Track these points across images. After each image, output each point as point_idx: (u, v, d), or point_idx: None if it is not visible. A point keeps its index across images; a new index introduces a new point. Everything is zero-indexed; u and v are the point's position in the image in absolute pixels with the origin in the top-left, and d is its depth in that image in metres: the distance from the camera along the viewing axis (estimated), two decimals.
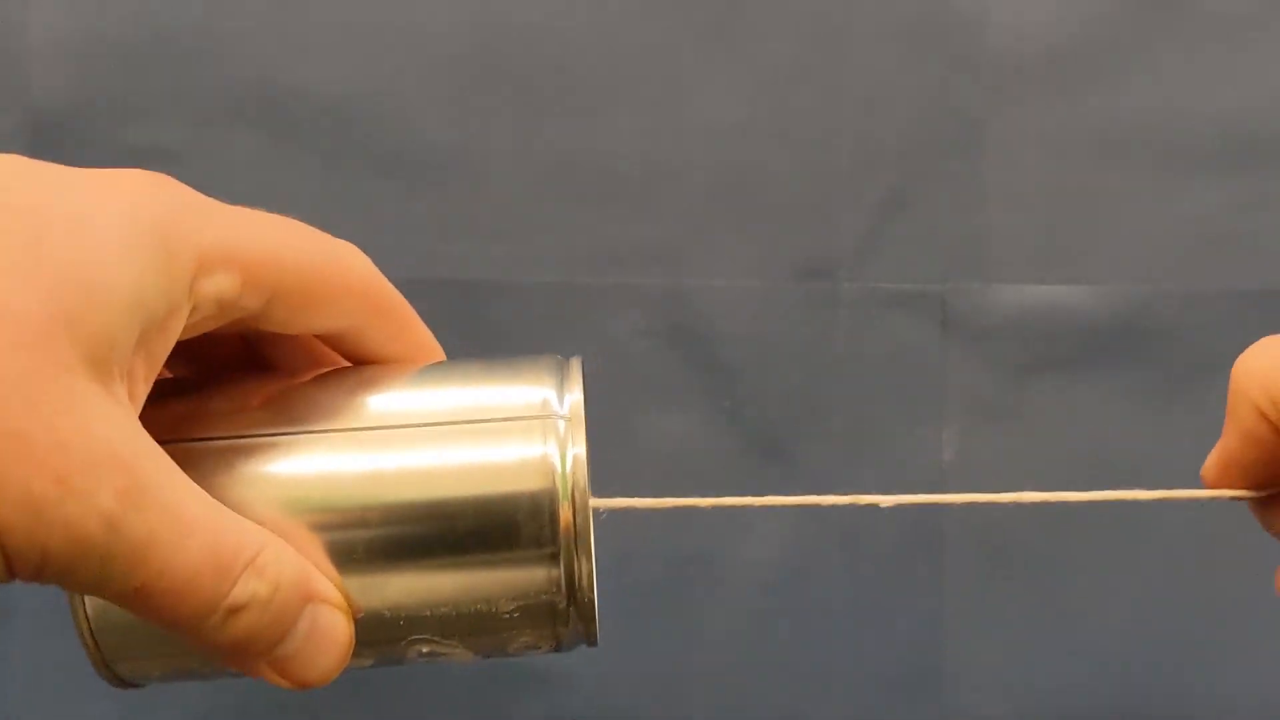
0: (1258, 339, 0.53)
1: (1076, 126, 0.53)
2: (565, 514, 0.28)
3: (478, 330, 0.53)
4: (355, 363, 0.31)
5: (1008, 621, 0.53)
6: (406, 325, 0.31)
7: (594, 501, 0.30)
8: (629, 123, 0.53)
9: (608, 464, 0.53)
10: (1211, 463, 0.32)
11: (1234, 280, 0.53)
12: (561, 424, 0.28)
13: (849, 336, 0.53)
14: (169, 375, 0.31)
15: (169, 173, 0.55)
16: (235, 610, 0.25)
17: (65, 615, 0.28)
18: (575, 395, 0.29)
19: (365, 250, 0.54)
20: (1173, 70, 0.53)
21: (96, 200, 0.25)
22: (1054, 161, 0.53)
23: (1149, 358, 0.53)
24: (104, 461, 0.23)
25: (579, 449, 0.28)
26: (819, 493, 0.53)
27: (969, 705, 0.52)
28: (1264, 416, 0.29)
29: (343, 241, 0.30)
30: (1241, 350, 0.53)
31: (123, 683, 0.29)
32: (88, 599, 0.27)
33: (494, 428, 0.28)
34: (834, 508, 0.53)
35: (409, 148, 0.53)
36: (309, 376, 0.30)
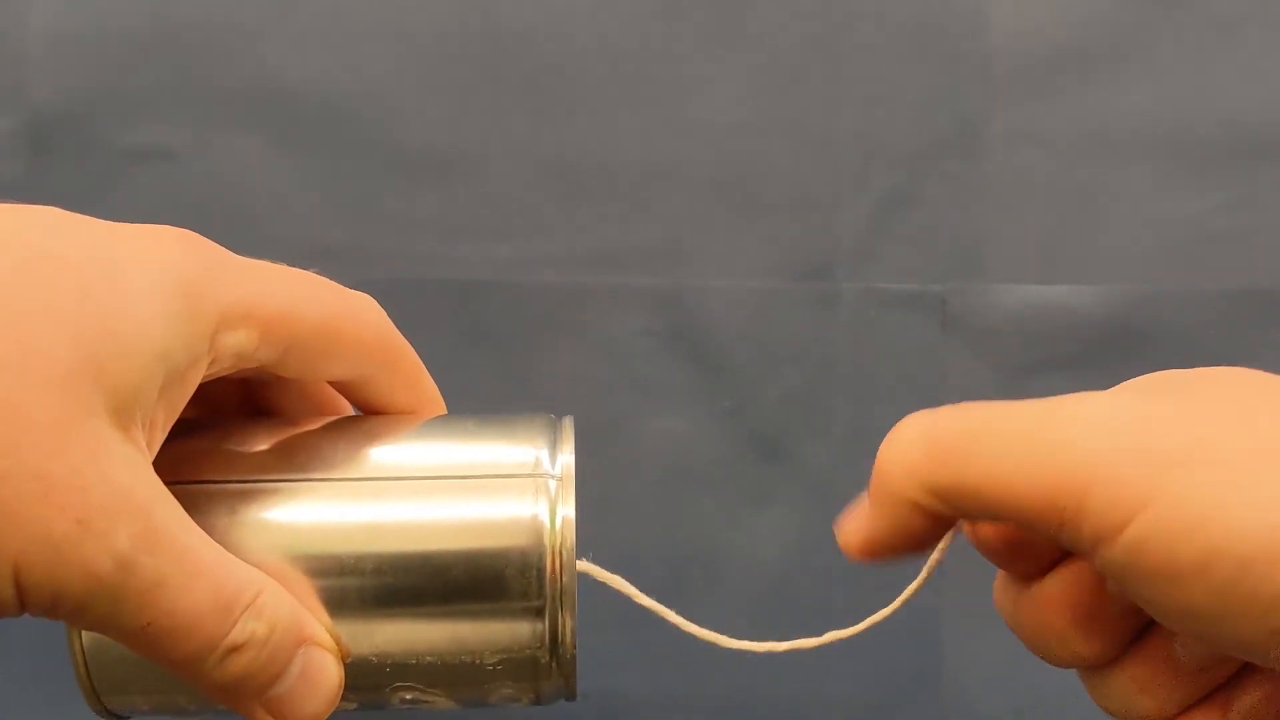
0: (1256, 339, 0.53)
1: (1076, 126, 0.53)
2: (552, 571, 0.29)
3: (478, 330, 0.53)
4: (362, 409, 0.33)
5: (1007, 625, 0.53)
6: (413, 377, 0.33)
7: (582, 565, 0.31)
8: (629, 123, 0.53)
9: (608, 464, 0.53)
10: (854, 539, 0.31)
11: (1234, 280, 0.53)
12: (552, 484, 0.29)
13: (849, 336, 0.53)
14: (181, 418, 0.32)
15: (169, 172, 0.55)
16: (234, 649, 0.26)
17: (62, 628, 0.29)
18: (566, 456, 0.30)
19: (365, 250, 0.55)
20: (1172, 70, 0.53)
21: (129, 255, 0.26)
22: (1054, 161, 0.53)
23: (1149, 358, 0.53)
24: (121, 505, 0.24)
25: (568, 509, 0.29)
26: (819, 493, 0.53)
27: (969, 705, 0.53)
28: (919, 509, 0.28)
29: (358, 294, 0.31)
30: (1242, 350, 0.53)
31: (110, 715, 0.30)
32: (84, 636, 0.28)
33: (487, 484, 0.29)
34: (833, 507, 0.53)
35: (409, 148, 0.53)
36: (314, 425, 0.31)
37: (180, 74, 0.53)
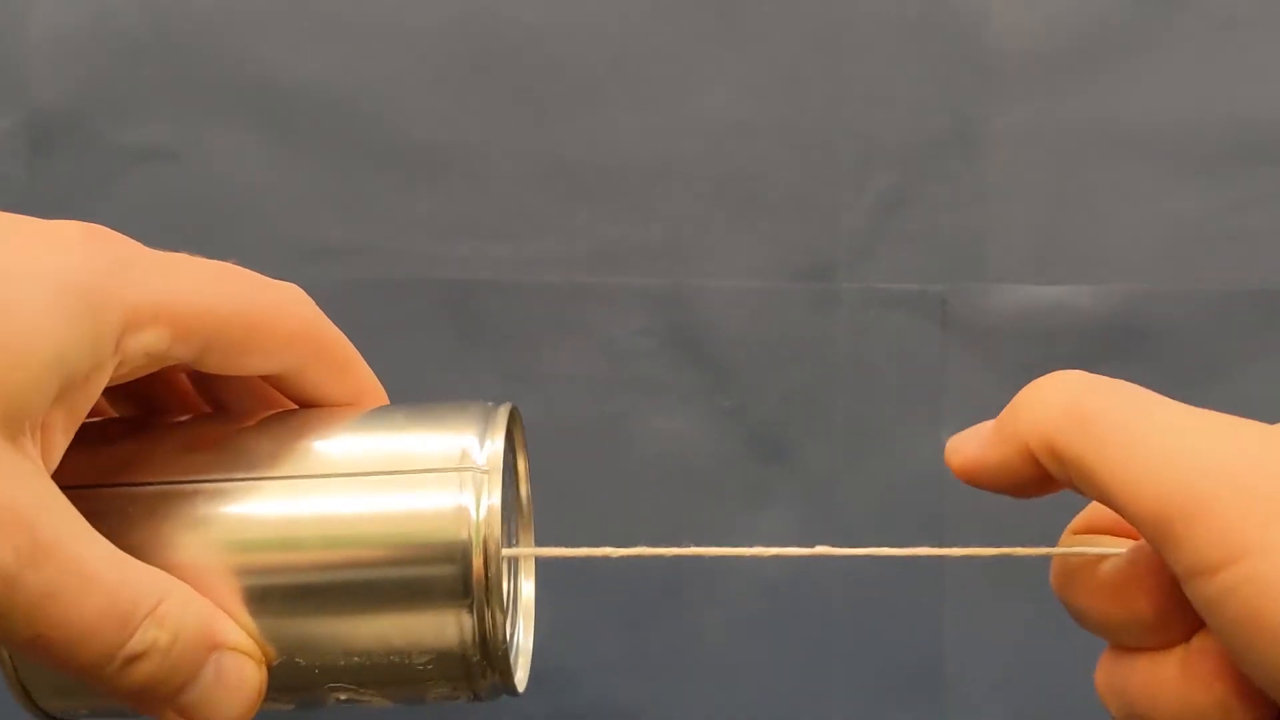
0: (1257, 339, 0.53)
1: (1076, 126, 0.53)
2: (478, 566, 0.28)
3: (478, 330, 0.53)
4: (297, 402, 0.32)
5: (1008, 622, 0.53)
6: (347, 367, 0.32)
7: (509, 551, 0.30)
8: (629, 122, 0.53)
9: (609, 464, 0.53)
10: (961, 456, 0.29)
11: (1234, 280, 0.53)
12: (478, 476, 0.28)
13: (849, 336, 0.53)
14: (113, 415, 0.31)
15: (169, 172, 0.55)
16: (133, 658, 0.25)
17: None
18: (495, 444, 0.29)
19: (364, 249, 0.55)
20: (1173, 70, 0.53)
21: (23, 254, 0.25)
22: (1054, 161, 0.53)
23: (1149, 358, 0.53)
24: (4, 519, 0.23)
25: (494, 500, 0.28)
26: (820, 492, 0.53)
27: (969, 705, 0.52)
28: (1034, 461, 0.27)
29: (283, 284, 0.30)
30: (1242, 350, 0.53)
31: (48, 717, 0.30)
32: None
33: (411, 479, 0.28)
34: (834, 507, 0.53)
35: (409, 147, 0.53)
36: (245, 422, 0.30)
37: (180, 74, 0.53)
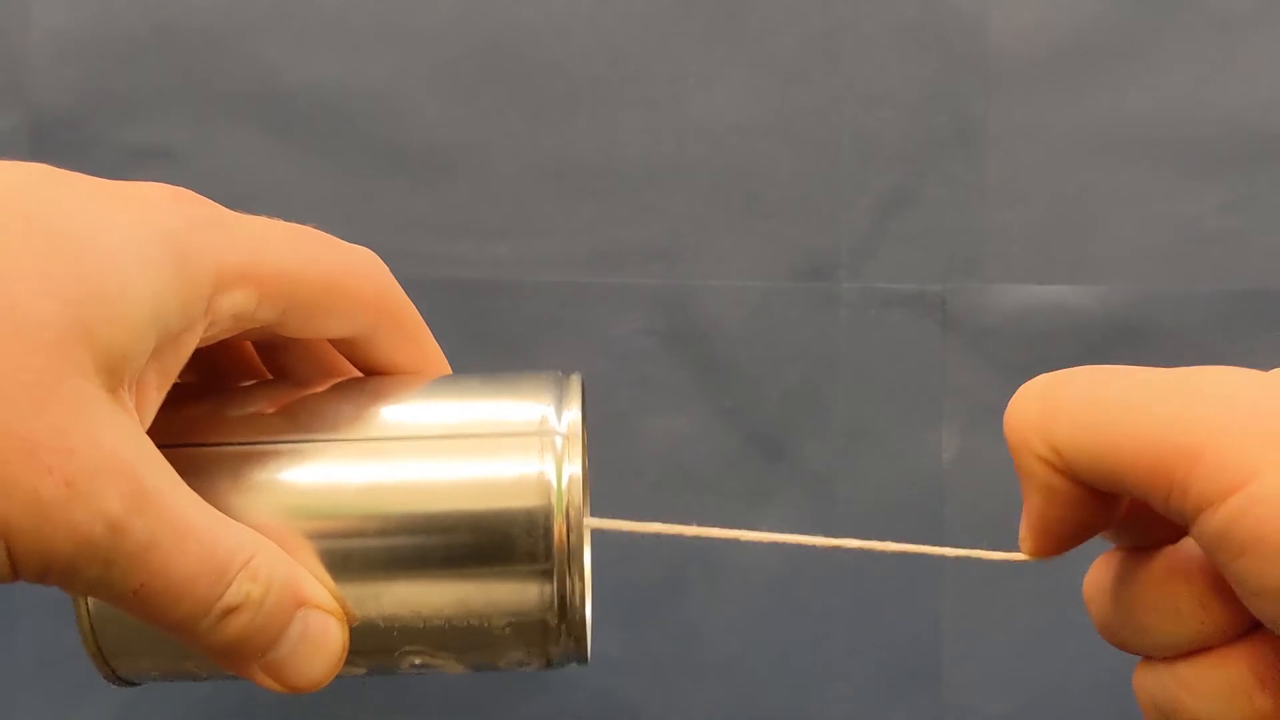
0: (1256, 339, 0.53)
1: (1076, 126, 0.53)
2: (560, 531, 0.28)
3: (478, 330, 0.53)
4: (364, 369, 0.32)
5: (1008, 621, 0.53)
6: (416, 335, 0.32)
7: (589, 521, 0.30)
8: (630, 122, 0.53)
9: (608, 464, 0.53)
10: (1026, 531, 0.29)
11: (1234, 280, 0.53)
12: (559, 441, 0.29)
13: (849, 336, 0.53)
14: (182, 381, 0.31)
15: (170, 171, 0.56)
16: (229, 611, 0.26)
17: (71, 615, 0.29)
18: (573, 413, 0.29)
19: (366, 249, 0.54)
20: (1173, 70, 0.53)
21: (118, 214, 0.25)
22: (1054, 161, 0.53)
23: (1149, 358, 0.53)
24: (109, 467, 0.24)
25: (575, 467, 0.29)
26: (820, 492, 0.53)
27: (969, 705, 0.53)
28: (1053, 467, 0.27)
29: (359, 249, 0.31)
30: (1242, 350, 0.53)
31: (121, 680, 0.29)
32: (90, 600, 0.28)
33: (492, 444, 0.28)
34: (834, 507, 0.53)
35: (410, 147, 0.53)
36: (318, 387, 0.30)
37: (180, 74, 0.53)
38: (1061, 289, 0.53)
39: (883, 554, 0.53)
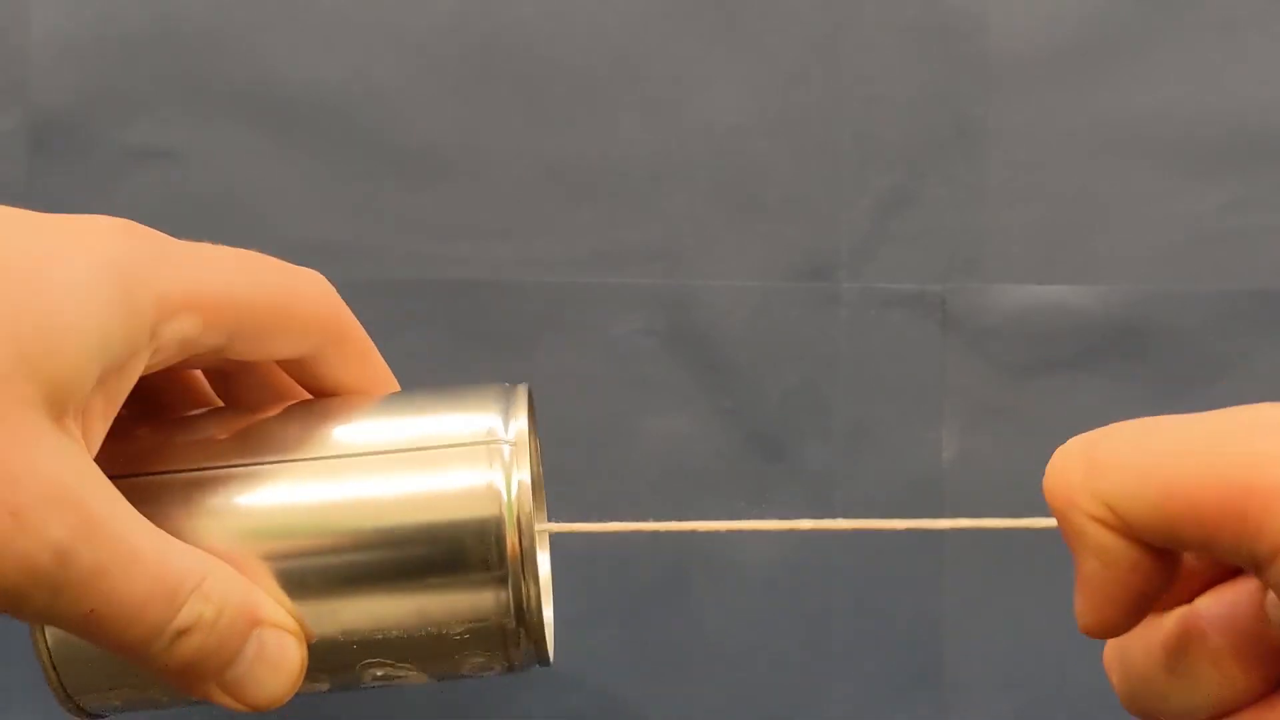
0: (1256, 339, 0.53)
1: (1077, 126, 0.53)
2: (511, 538, 0.29)
3: (478, 330, 0.53)
4: (313, 390, 0.32)
5: (1008, 621, 0.53)
6: (364, 354, 0.32)
7: (543, 525, 0.31)
8: (629, 122, 0.53)
9: (608, 464, 0.53)
10: (1085, 606, 0.26)
11: (1234, 280, 0.53)
12: (506, 450, 0.29)
13: (849, 336, 0.53)
14: (130, 410, 0.32)
15: (169, 172, 0.55)
16: (182, 633, 0.26)
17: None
18: (520, 421, 0.30)
19: (364, 249, 0.55)
20: (1173, 70, 0.53)
21: (63, 248, 0.26)
22: (1054, 161, 0.53)
23: (1149, 358, 0.53)
24: (55, 496, 0.24)
25: (524, 474, 0.29)
26: (819, 493, 0.53)
27: (969, 704, 0.53)
28: (1107, 526, 0.25)
29: (305, 271, 0.31)
30: (1242, 350, 0.53)
31: (85, 714, 0.30)
32: (49, 632, 0.28)
33: (440, 455, 0.29)
34: (833, 507, 0.53)
35: (409, 147, 0.53)
36: (267, 411, 0.31)
37: (180, 74, 0.53)
38: (1061, 289, 0.53)
39: (883, 554, 0.53)
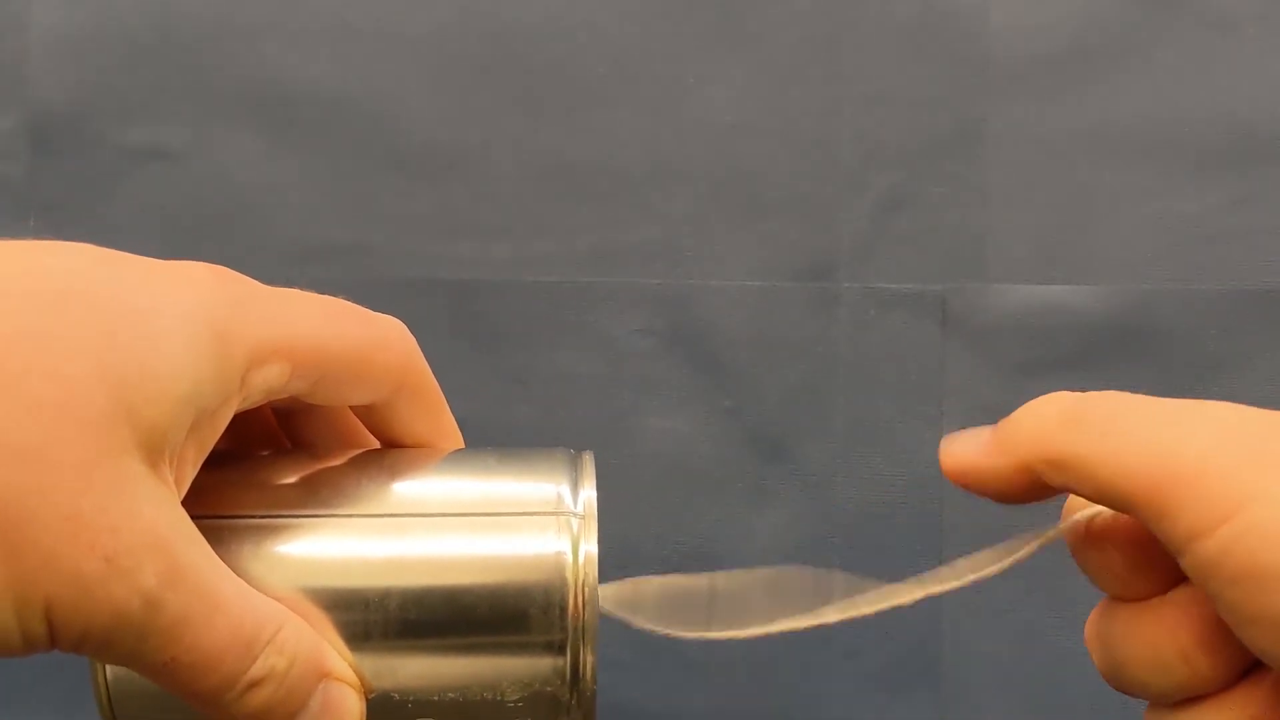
0: (1256, 339, 0.53)
1: (1076, 126, 0.53)
2: (575, 608, 0.29)
3: (478, 330, 0.53)
4: (380, 436, 0.33)
5: (1008, 618, 0.53)
6: (435, 407, 0.33)
7: (603, 601, 0.31)
8: (629, 122, 0.53)
9: (608, 464, 0.53)
10: (955, 461, 0.30)
11: (1234, 280, 0.53)
12: (575, 521, 0.30)
13: (849, 336, 0.53)
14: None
15: (169, 172, 0.55)
16: (254, 684, 0.26)
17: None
18: (588, 492, 0.31)
19: (365, 249, 0.55)
20: (1172, 70, 0.53)
21: (161, 294, 0.26)
22: (1054, 161, 0.53)
23: (1149, 358, 0.53)
24: (148, 543, 0.25)
25: (591, 546, 0.30)
26: (819, 492, 0.53)
27: (969, 702, 0.53)
28: (1029, 472, 0.28)
29: (387, 319, 0.32)
30: (1242, 350, 0.53)
31: None
32: (109, 668, 0.28)
33: (511, 521, 0.30)
34: (833, 506, 0.53)
35: (410, 147, 0.53)
36: (338, 459, 0.31)
37: (180, 74, 0.53)
38: (1061, 289, 0.53)
39: (882, 554, 0.53)
